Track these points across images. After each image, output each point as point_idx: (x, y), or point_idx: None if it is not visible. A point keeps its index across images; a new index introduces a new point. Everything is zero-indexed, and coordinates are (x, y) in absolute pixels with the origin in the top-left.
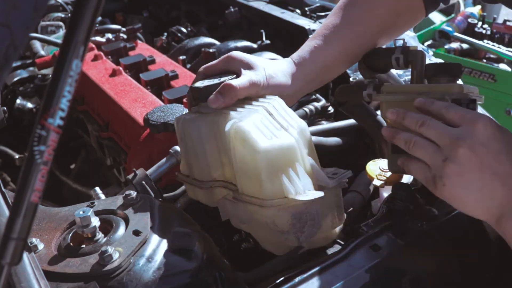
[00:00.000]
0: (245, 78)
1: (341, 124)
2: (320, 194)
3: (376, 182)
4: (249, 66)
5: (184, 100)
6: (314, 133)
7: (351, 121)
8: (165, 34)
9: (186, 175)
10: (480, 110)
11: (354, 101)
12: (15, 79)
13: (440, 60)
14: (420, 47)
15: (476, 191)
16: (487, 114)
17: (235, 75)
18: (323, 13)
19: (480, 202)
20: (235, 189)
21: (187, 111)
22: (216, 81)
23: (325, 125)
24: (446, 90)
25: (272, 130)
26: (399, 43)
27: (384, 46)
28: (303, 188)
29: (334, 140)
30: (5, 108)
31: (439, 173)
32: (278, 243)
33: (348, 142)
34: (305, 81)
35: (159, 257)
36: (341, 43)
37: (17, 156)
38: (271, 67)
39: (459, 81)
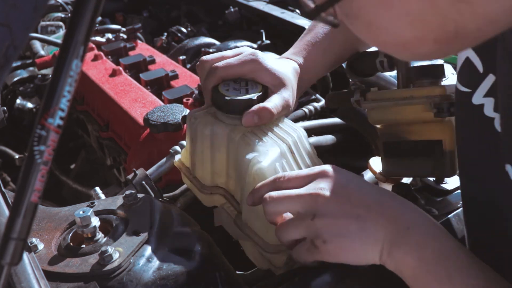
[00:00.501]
0: (280, 100)
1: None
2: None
3: (379, 178)
4: (280, 83)
5: (184, 100)
6: (311, 129)
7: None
8: (165, 34)
9: (186, 167)
10: None
11: (344, 107)
12: (15, 79)
13: (440, 60)
14: None
15: (358, 232)
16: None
17: (262, 89)
18: None
19: (366, 241)
20: (236, 206)
21: (187, 111)
22: (243, 93)
23: (322, 120)
24: (428, 93)
25: None
26: None
27: None
28: None
29: (330, 138)
30: (5, 108)
31: (314, 234)
32: (264, 265)
33: (344, 139)
34: (305, 89)
35: (159, 257)
36: (337, 52)
37: (17, 156)
38: (295, 84)
39: (448, 81)
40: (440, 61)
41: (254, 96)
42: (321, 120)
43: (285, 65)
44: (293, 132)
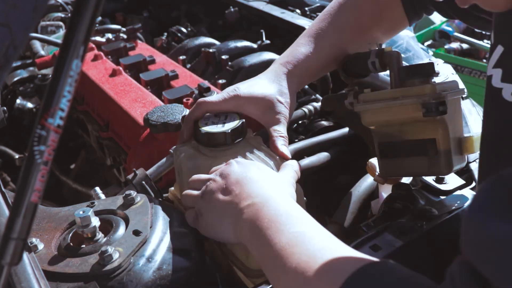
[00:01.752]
0: (278, 128)
1: (331, 135)
2: None
3: (377, 180)
4: (266, 106)
5: (184, 100)
6: (305, 148)
7: (341, 131)
8: (165, 34)
9: (179, 198)
10: (480, 110)
11: (340, 109)
12: (15, 79)
13: (440, 60)
14: (420, 47)
15: (219, 211)
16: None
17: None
18: None
19: (223, 218)
20: None
21: (187, 111)
22: (220, 126)
23: (315, 138)
24: (418, 93)
25: None
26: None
27: None
28: None
29: (323, 156)
30: (5, 108)
31: (197, 207)
32: (249, 285)
33: (338, 154)
34: (299, 86)
35: (159, 257)
36: (332, 50)
37: (17, 156)
38: (285, 91)
39: (444, 77)
40: (433, 60)
41: (228, 129)
42: (314, 138)
43: (266, 85)
44: (270, 159)
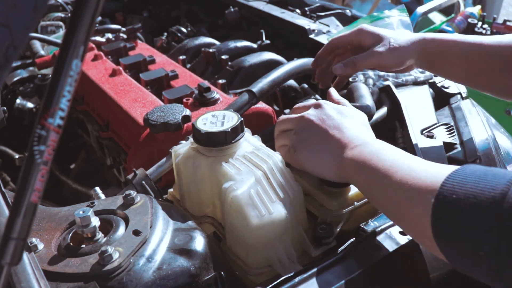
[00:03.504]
0: (368, 53)
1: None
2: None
3: None
4: (378, 38)
5: (184, 100)
6: None
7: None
8: (165, 34)
9: (178, 199)
10: (480, 110)
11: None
12: (15, 79)
13: None
14: None
15: (318, 148)
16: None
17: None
18: (323, 13)
19: (323, 155)
20: (223, 234)
21: (187, 111)
22: (219, 126)
23: None
24: (321, 202)
25: (267, 202)
26: None
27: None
28: (288, 259)
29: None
30: (5, 108)
31: (291, 143)
32: (250, 285)
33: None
34: (421, 55)
35: (159, 257)
36: (470, 56)
37: (17, 156)
38: (395, 36)
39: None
40: None
41: (228, 128)
42: None
43: (389, 31)
44: (269, 158)
